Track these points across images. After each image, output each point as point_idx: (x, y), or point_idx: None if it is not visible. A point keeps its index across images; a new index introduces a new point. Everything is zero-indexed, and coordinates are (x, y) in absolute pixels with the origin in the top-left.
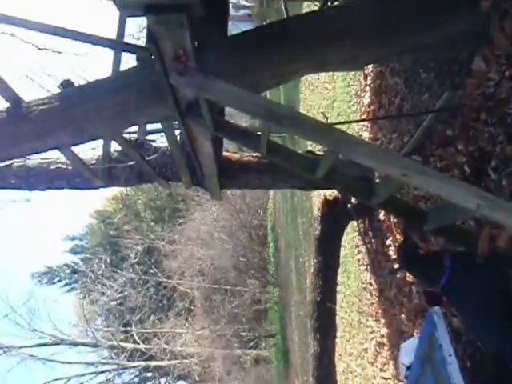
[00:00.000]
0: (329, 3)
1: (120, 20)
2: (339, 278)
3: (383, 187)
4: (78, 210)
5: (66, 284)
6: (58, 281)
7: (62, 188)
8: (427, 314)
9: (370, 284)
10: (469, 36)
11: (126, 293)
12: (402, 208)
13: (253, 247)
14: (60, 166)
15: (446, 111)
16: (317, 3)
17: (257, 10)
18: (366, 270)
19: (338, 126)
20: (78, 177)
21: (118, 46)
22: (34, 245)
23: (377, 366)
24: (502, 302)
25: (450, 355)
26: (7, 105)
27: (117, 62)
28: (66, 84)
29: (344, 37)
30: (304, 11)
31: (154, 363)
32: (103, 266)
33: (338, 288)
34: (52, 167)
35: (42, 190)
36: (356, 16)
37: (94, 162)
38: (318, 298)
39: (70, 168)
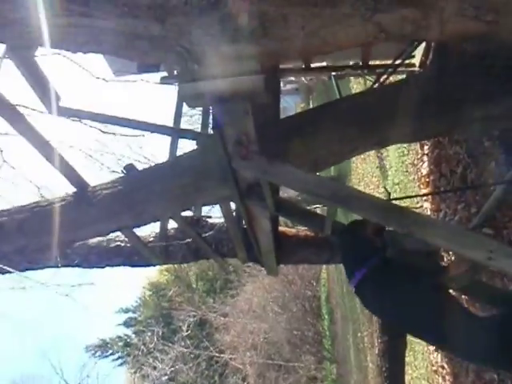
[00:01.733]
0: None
1: (176, 108)
2: (406, 358)
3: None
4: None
5: (119, 357)
6: (111, 354)
7: (121, 265)
8: None
9: (442, 367)
10: None
11: (177, 367)
12: (482, 290)
13: (307, 319)
14: (119, 243)
15: None
16: (368, 78)
17: (303, 84)
18: (437, 350)
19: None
20: (136, 254)
21: (177, 133)
22: (88, 317)
23: None
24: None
25: None
26: (74, 189)
27: (174, 146)
28: (129, 168)
29: (406, 115)
30: (350, 85)
31: None
32: (155, 339)
33: (405, 369)
34: (111, 245)
35: (102, 267)
36: (414, 92)
37: (151, 239)
38: (386, 383)
39: (128, 245)
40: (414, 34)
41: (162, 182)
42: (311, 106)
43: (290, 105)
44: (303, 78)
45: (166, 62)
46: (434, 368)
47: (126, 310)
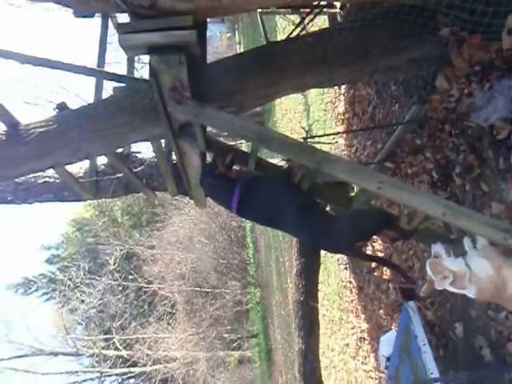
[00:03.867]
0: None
1: (100, 50)
2: (320, 277)
3: (361, 197)
4: (53, 219)
5: (44, 294)
6: (35, 290)
7: (50, 201)
8: (403, 308)
9: (350, 282)
10: (432, 58)
11: (105, 300)
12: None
13: (232, 249)
14: (47, 179)
15: (415, 123)
16: (291, 17)
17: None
18: (346, 268)
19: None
20: (66, 190)
21: (105, 75)
22: (8, 256)
23: (358, 360)
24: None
25: (425, 345)
26: (5, 128)
27: (100, 88)
28: (62, 107)
29: (322, 62)
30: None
31: (137, 369)
32: (81, 274)
33: (319, 286)
34: (39, 181)
35: (30, 203)
36: (332, 43)
37: (81, 175)
38: (302, 298)
39: (57, 181)
40: None
41: (97, 121)
42: (236, 37)
43: (216, 34)
44: None
45: (105, 11)
46: (344, 283)
47: (49, 247)
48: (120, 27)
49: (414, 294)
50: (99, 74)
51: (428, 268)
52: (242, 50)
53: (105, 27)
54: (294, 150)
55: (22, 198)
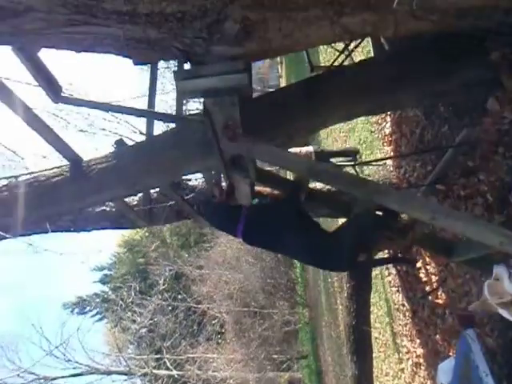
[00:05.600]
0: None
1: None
2: (371, 299)
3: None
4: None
5: (97, 313)
6: (89, 310)
7: (107, 228)
8: (461, 336)
9: (403, 305)
10: (482, 81)
11: (156, 319)
12: (431, 242)
13: (280, 268)
14: (104, 208)
15: (466, 145)
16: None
17: None
18: (398, 291)
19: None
20: (122, 217)
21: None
22: (64, 277)
23: None
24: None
25: (487, 375)
26: (68, 164)
27: (151, 126)
28: (119, 143)
29: (370, 91)
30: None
31: None
32: (133, 294)
33: (371, 309)
34: (97, 210)
35: (89, 231)
36: (379, 71)
37: (135, 203)
38: (354, 322)
39: (113, 210)
40: (374, 33)
41: (152, 156)
42: (278, 57)
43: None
44: None
45: (162, 60)
46: (396, 306)
47: (101, 268)
48: (177, 74)
49: (472, 320)
50: (155, 115)
51: (485, 288)
52: (284, 71)
53: (155, 70)
54: (345, 183)
55: (81, 226)
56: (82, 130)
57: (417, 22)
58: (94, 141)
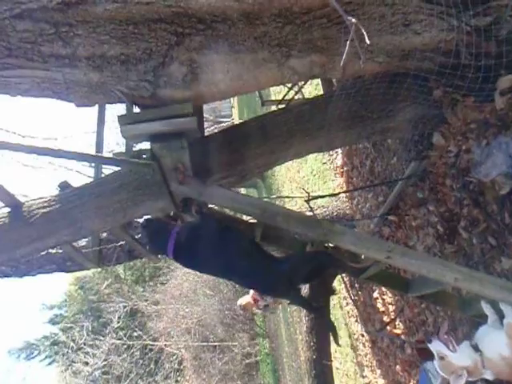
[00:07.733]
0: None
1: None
2: None
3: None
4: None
5: (46, 357)
6: (38, 354)
7: (53, 272)
8: (421, 370)
9: (362, 335)
10: (427, 118)
11: (110, 360)
12: (387, 278)
13: (237, 299)
14: (49, 251)
15: (415, 177)
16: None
17: None
18: (357, 321)
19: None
20: (69, 260)
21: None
22: (10, 319)
23: None
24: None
25: None
26: (7, 210)
27: (99, 169)
28: (64, 186)
29: (320, 129)
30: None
31: None
32: (85, 334)
33: (330, 339)
34: (41, 253)
35: (33, 275)
36: (328, 110)
37: (83, 244)
38: (314, 356)
39: (59, 252)
40: (322, 75)
41: (99, 198)
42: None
43: None
44: None
45: (105, 104)
46: (355, 336)
47: (51, 307)
48: (121, 119)
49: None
50: (101, 159)
51: (439, 370)
52: (236, 102)
53: (102, 113)
54: (300, 225)
55: (24, 271)
56: (26, 165)
57: (363, 64)
58: (41, 175)
